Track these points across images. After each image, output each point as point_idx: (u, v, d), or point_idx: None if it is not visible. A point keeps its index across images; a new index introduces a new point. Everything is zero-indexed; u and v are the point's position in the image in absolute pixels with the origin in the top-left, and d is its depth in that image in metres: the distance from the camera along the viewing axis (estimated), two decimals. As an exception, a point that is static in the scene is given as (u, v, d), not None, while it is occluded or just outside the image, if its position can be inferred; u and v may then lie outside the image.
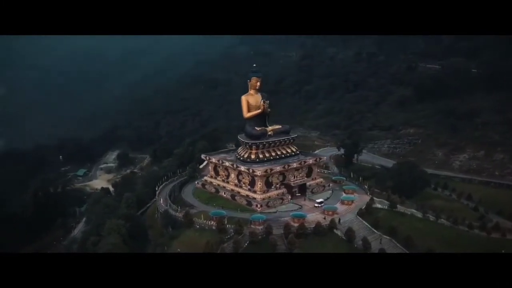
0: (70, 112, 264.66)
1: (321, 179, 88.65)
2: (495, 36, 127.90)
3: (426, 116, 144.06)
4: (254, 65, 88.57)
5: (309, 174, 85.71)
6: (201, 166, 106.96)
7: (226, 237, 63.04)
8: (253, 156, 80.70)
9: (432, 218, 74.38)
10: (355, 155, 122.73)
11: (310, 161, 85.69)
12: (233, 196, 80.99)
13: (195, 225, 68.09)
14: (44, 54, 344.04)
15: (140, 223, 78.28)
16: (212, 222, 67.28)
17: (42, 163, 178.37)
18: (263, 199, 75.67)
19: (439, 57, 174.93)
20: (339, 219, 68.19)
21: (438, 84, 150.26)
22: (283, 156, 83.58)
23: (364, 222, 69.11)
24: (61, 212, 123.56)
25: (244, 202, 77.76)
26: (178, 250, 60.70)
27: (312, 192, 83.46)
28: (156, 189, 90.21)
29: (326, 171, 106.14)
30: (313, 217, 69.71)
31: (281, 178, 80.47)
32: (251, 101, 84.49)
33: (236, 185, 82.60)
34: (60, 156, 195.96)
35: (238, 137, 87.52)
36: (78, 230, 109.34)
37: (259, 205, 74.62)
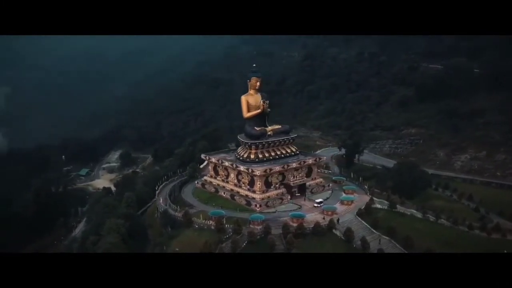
0: (72, 112, 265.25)
1: (321, 179, 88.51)
2: (497, 36, 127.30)
3: (428, 116, 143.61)
4: (254, 65, 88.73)
5: (308, 174, 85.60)
6: (201, 166, 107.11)
7: (225, 237, 63.09)
8: (252, 156, 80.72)
9: (432, 218, 73.89)
10: (356, 155, 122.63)
11: (310, 161, 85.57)
12: (232, 196, 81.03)
13: (194, 225, 68.17)
14: (45, 54, 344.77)
15: (139, 222, 78.35)
16: (211, 222, 67.37)
17: (44, 163, 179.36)
18: (262, 199, 75.68)
19: (441, 57, 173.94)
20: (338, 219, 68.09)
21: (440, 84, 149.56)
22: (282, 156, 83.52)
23: (363, 222, 68.92)
24: (63, 211, 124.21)
25: (244, 202, 77.80)
26: (176, 249, 60.77)
27: (312, 192, 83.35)
28: (156, 188, 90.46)
29: (327, 171, 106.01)
30: (312, 217, 69.62)
31: (280, 178, 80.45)
32: (251, 101, 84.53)
33: (235, 185, 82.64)
34: (63, 156, 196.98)
35: (238, 137, 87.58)
36: (79, 229, 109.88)
37: (258, 205, 74.64)
